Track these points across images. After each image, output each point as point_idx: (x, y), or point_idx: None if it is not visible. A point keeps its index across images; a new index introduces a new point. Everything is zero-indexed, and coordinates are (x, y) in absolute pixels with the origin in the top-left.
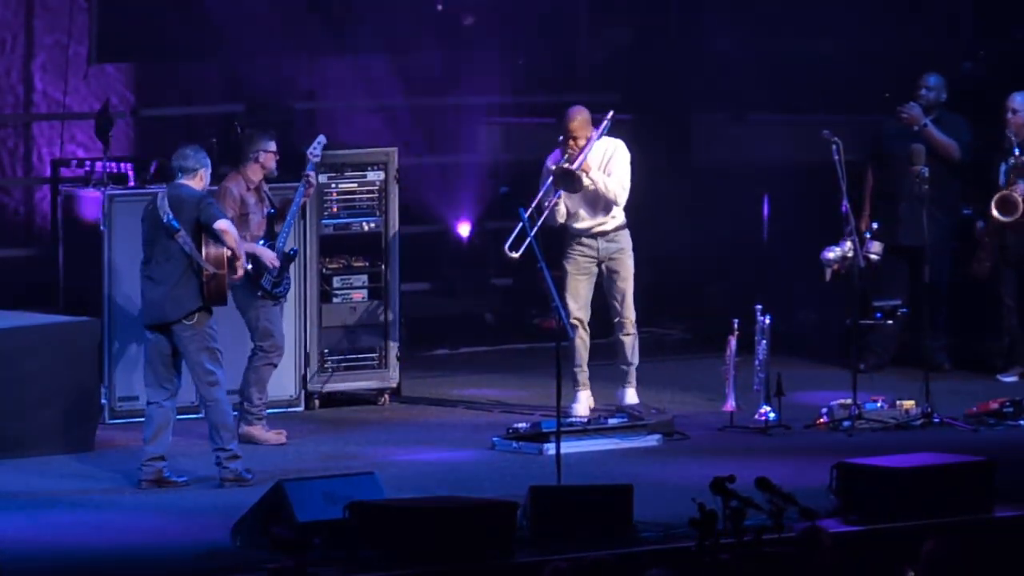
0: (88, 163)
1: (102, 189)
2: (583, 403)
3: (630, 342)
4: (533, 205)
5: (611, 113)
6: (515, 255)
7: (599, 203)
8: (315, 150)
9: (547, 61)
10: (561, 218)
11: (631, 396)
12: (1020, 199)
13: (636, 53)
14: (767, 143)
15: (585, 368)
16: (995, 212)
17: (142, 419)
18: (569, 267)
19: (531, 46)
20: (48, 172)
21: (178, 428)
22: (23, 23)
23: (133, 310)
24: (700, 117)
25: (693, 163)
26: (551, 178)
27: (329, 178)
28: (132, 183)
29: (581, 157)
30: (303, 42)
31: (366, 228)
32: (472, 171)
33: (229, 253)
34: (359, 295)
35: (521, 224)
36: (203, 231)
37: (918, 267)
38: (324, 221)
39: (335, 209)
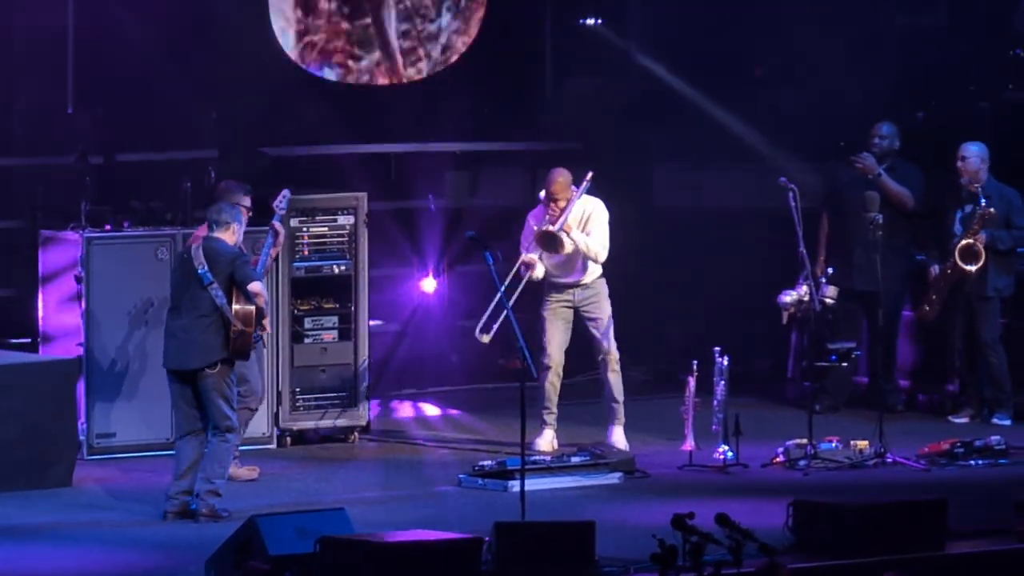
0: (67, 207)
1: (81, 232)
2: (546, 439)
3: (615, 380)
4: (517, 265)
5: (591, 174)
6: (486, 338)
7: (576, 262)
8: (281, 203)
9: (512, 109)
10: (540, 276)
11: (618, 434)
12: (982, 249)
13: (598, 102)
14: (726, 189)
15: (553, 410)
16: (959, 261)
17: (119, 455)
18: (546, 314)
19: (496, 95)
20: (28, 216)
21: (156, 465)
22: (3, 71)
23: (110, 350)
24: (661, 164)
25: (654, 208)
26: (533, 239)
27: (300, 222)
28: (110, 227)
29: (562, 219)
30: (275, 89)
31: (336, 271)
32: (439, 216)
33: (255, 311)
34: (330, 336)
35: (492, 305)
36: (235, 287)
37: (872, 311)
38: (295, 264)
39: (306, 252)
